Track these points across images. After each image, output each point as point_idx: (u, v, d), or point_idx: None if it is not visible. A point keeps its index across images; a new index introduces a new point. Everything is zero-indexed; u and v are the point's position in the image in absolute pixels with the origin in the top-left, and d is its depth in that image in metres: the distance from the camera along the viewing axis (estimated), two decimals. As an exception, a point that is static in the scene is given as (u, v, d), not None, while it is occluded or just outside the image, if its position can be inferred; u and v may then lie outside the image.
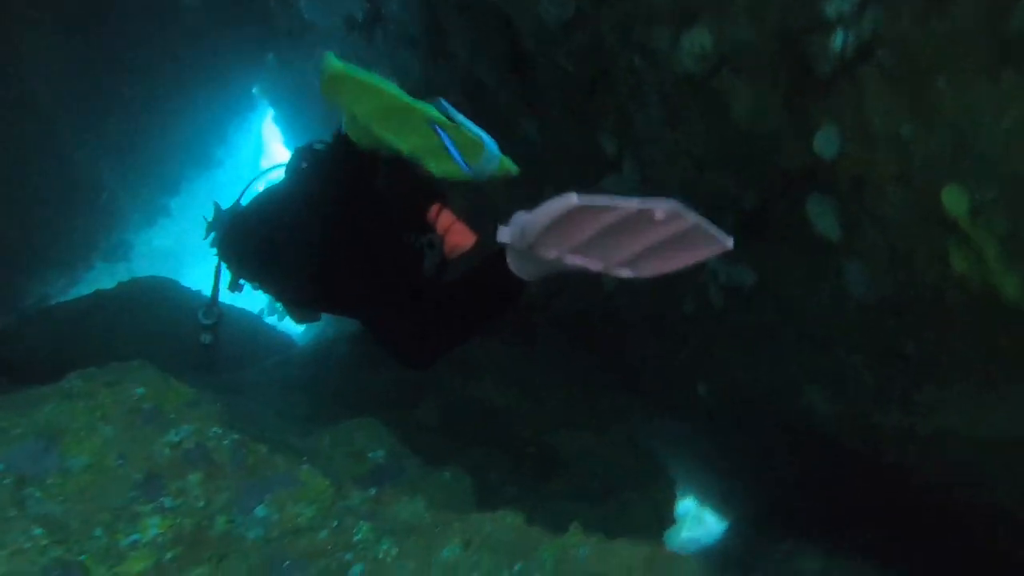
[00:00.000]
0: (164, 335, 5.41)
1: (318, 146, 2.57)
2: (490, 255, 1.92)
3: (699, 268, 3.98)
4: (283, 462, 2.20)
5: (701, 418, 4.74)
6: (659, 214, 1.42)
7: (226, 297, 3.12)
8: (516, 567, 1.59)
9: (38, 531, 1.89)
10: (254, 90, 12.46)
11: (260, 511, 2.05)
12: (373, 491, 2.05)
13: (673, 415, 4.94)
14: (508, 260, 1.83)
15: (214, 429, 2.28)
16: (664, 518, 3.95)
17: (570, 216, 1.46)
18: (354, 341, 5.45)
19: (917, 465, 3.31)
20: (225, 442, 2.23)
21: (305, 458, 2.22)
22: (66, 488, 2.12)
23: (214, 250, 2.90)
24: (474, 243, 2.28)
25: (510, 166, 2.27)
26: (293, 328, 7.82)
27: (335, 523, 1.94)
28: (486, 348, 5.19)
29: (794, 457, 4.20)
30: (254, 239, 2.62)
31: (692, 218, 1.46)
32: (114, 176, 6.70)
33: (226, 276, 2.93)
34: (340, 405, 4.05)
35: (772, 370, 3.87)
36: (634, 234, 1.51)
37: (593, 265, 1.59)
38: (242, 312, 6.69)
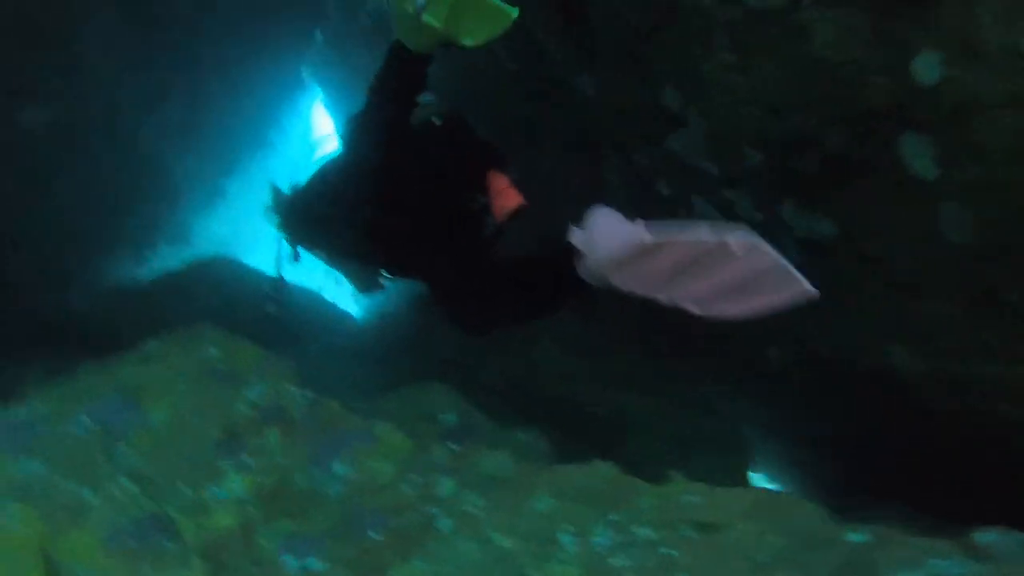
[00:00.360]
0: (232, 312, 5.50)
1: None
2: (561, 251, 1.86)
3: (774, 223, 3.80)
4: (358, 419, 2.16)
5: (773, 382, 4.56)
6: (735, 247, 1.44)
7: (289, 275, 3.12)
8: (612, 516, 1.50)
9: (127, 483, 1.89)
10: (303, 72, 12.52)
11: (338, 467, 2.01)
12: (455, 446, 1.98)
13: (745, 379, 4.77)
14: (576, 264, 1.80)
15: (289, 387, 2.25)
16: (739, 482, 3.82)
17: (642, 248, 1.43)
18: (413, 311, 5.43)
19: (1020, 422, 3.09)
20: (300, 399, 2.20)
21: (379, 420, 2.17)
22: (149, 443, 2.12)
23: (275, 227, 2.91)
24: (520, 206, 2.27)
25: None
26: (353, 307, 7.90)
27: (417, 478, 1.88)
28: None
29: (874, 421, 3.99)
30: (316, 209, 2.65)
31: (771, 254, 1.48)
32: (174, 158, 6.80)
33: (287, 250, 2.93)
34: (403, 373, 4.02)
35: (852, 328, 3.67)
36: (709, 267, 1.49)
37: (662, 298, 1.60)
38: (304, 290, 6.77)
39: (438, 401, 2.88)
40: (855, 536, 1.25)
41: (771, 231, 3.85)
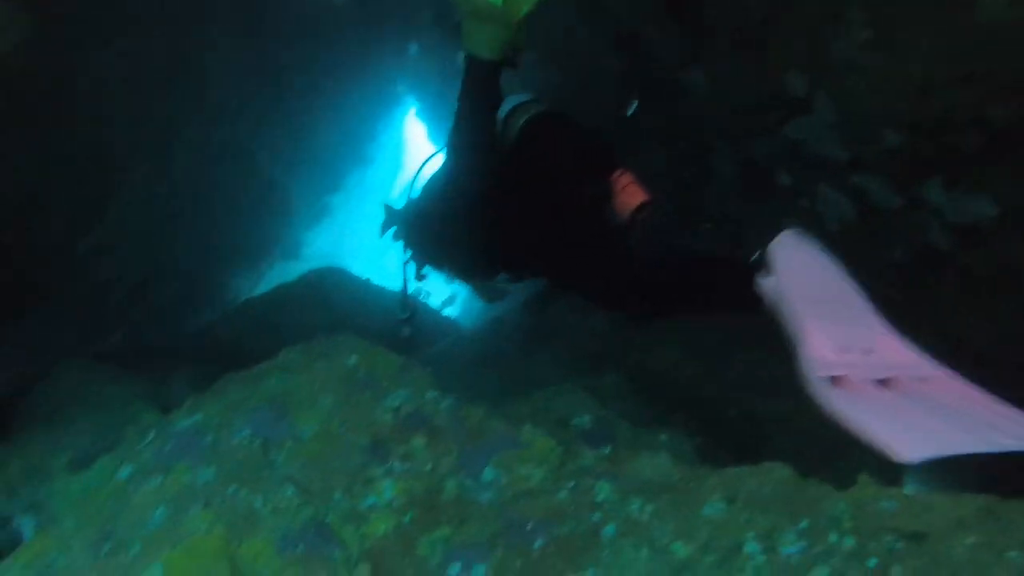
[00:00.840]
0: (344, 320, 5.69)
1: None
2: (747, 268, 1.85)
3: (915, 207, 3.53)
4: (502, 424, 2.13)
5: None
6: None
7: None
8: (802, 524, 1.39)
9: (290, 491, 1.94)
10: (399, 86, 12.87)
11: (488, 473, 1.99)
12: (607, 449, 1.92)
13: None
14: (761, 298, 1.78)
15: (430, 393, 2.25)
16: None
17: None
18: (525, 313, 5.41)
19: None
20: (442, 405, 2.20)
21: (526, 424, 2.13)
22: (302, 453, 2.17)
23: (388, 245, 3.03)
24: (644, 201, 2.25)
25: None
26: (464, 319, 8.00)
27: (571, 483, 1.83)
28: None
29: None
30: (433, 226, 2.68)
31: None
32: (286, 175, 7.11)
33: (410, 268, 2.96)
34: (522, 378, 3.99)
35: (1013, 326, 3.35)
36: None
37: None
38: (423, 304, 6.90)
39: (571, 404, 2.83)
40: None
41: (911, 219, 3.58)
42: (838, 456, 3.29)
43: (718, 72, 4.27)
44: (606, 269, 2.17)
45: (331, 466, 2.11)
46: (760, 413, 3.74)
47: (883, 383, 1.55)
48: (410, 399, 2.24)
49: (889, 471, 3.33)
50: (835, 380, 1.53)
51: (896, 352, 1.63)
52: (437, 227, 2.67)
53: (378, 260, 12.93)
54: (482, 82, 2.37)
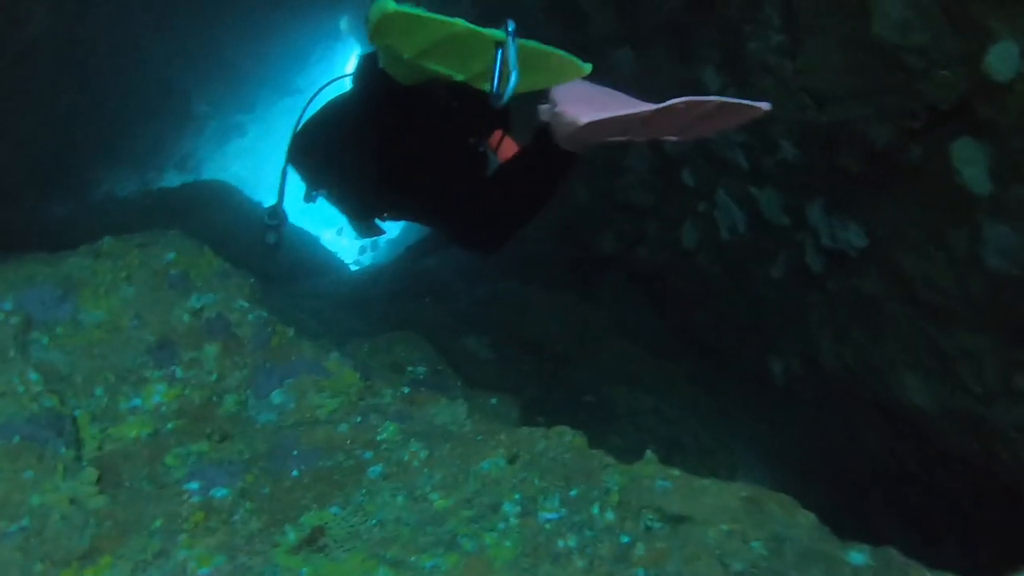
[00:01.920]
0: (224, 237, 5.31)
1: None
2: (537, 131, 2.04)
3: (798, 226, 3.53)
4: (310, 348, 1.93)
5: (773, 398, 4.31)
6: (680, 106, 1.59)
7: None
8: (572, 492, 1.26)
9: (35, 377, 1.67)
10: (342, 24, 12.27)
11: (276, 396, 1.79)
12: (406, 390, 1.75)
13: (743, 389, 4.52)
14: (554, 135, 1.93)
15: (240, 302, 2.02)
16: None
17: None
18: (406, 269, 5.20)
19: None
20: (250, 316, 1.98)
21: (335, 352, 1.93)
22: (75, 341, 1.90)
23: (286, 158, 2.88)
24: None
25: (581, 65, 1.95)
26: (349, 257, 7.70)
27: (358, 419, 1.65)
28: (546, 295, 4.87)
29: (876, 454, 3.74)
30: (324, 144, 2.65)
31: (713, 100, 1.62)
32: (191, 82, 6.57)
33: (298, 185, 2.88)
34: (387, 327, 3.80)
35: (866, 350, 3.41)
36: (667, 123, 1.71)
37: (637, 138, 1.85)
38: (304, 232, 6.56)
39: (411, 351, 2.65)
40: (856, 556, 1.00)
41: (793, 238, 3.60)
42: (673, 457, 3.27)
43: (644, 56, 4.17)
44: (466, 198, 2.29)
45: (104, 360, 1.86)
46: (619, 403, 3.69)
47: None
48: (217, 303, 2.00)
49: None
50: None
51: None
52: (322, 149, 2.63)
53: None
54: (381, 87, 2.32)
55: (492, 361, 3.50)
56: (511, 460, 1.40)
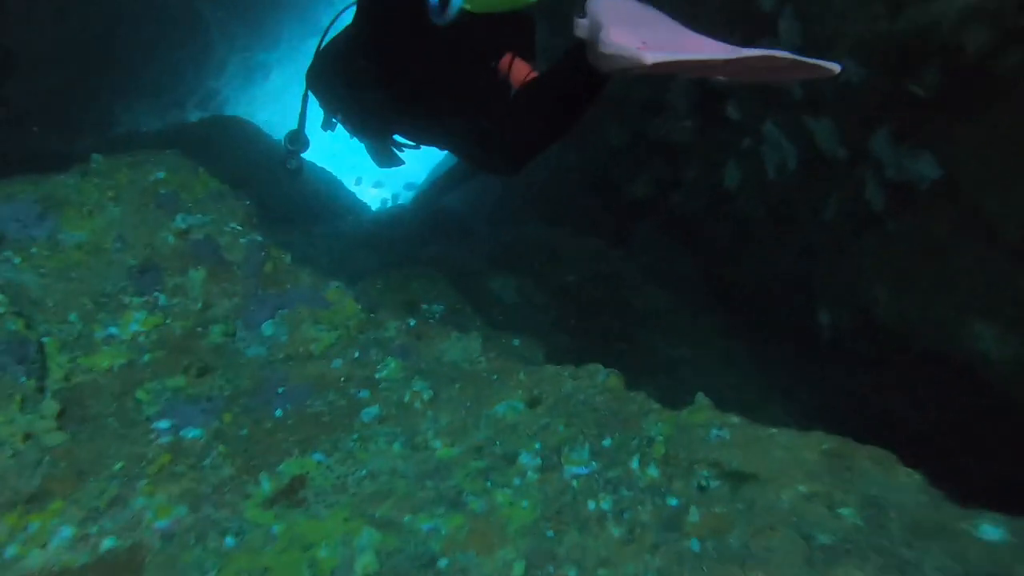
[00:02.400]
0: (244, 172, 5.12)
1: None
2: (569, 48, 1.93)
3: (857, 160, 3.19)
4: (308, 276, 1.71)
5: (818, 352, 4.02)
6: (755, 57, 1.48)
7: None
8: (605, 442, 1.03)
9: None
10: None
11: (267, 327, 1.57)
12: (412, 322, 1.52)
13: (785, 343, 4.23)
14: (587, 54, 1.80)
15: (232, 225, 1.80)
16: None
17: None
18: (429, 210, 4.97)
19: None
20: (242, 240, 1.75)
21: (334, 282, 1.71)
22: (51, 262, 1.70)
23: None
24: (529, 76, 2.25)
25: None
26: (372, 200, 7.47)
27: (356, 354, 1.43)
28: (576, 240, 4.60)
29: (943, 414, 3.44)
30: (342, 68, 2.61)
31: (789, 56, 1.49)
32: (212, 16, 6.29)
33: (317, 112, 2.83)
34: (410, 263, 3.58)
35: (930, 298, 3.09)
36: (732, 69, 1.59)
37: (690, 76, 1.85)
38: (326, 173, 6.34)
39: (428, 288, 2.43)
40: (989, 530, 0.75)
41: (851, 174, 3.25)
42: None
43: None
44: (486, 116, 2.18)
45: (80, 284, 1.66)
46: (654, 351, 3.45)
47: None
48: (206, 225, 1.78)
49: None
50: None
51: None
52: (340, 77, 2.60)
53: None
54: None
55: (518, 305, 3.26)
56: (532, 403, 1.17)
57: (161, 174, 2.03)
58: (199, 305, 1.62)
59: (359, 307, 1.61)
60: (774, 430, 0.96)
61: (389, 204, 9.84)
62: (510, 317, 3.10)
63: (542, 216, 6.00)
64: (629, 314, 3.80)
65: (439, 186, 4.70)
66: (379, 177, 11.08)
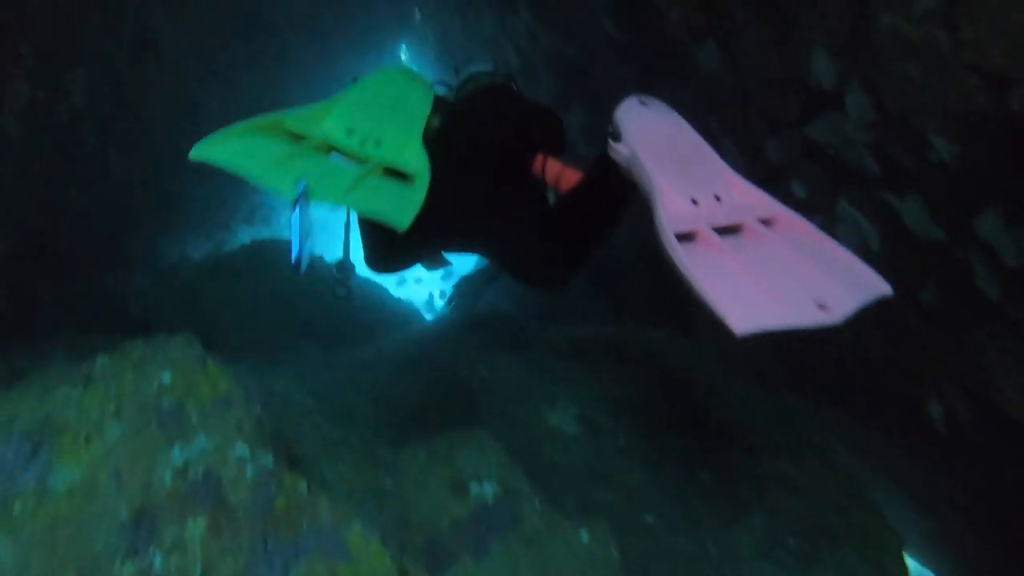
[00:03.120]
0: (284, 297, 5.02)
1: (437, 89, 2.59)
2: (597, 159, 1.99)
3: (960, 241, 2.78)
4: (328, 510, 1.42)
5: (933, 443, 3.51)
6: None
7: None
8: None
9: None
10: (402, 55, 12.09)
11: (280, 593, 1.28)
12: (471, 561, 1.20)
13: (888, 436, 3.73)
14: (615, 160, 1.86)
15: (238, 449, 1.54)
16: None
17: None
18: (476, 319, 4.71)
19: None
20: (249, 472, 1.49)
21: (357, 521, 1.41)
22: (36, 520, 1.48)
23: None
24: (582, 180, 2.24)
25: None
26: (421, 301, 7.30)
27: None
28: (639, 335, 4.25)
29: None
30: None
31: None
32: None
33: (353, 231, 2.80)
34: (458, 392, 3.30)
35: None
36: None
37: None
38: (371, 283, 6.23)
39: (477, 460, 2.12)
40: None
41: (952, 255, 2.83)
42: (824, 546, 2.56)
43: (734, 49, 3.51)
44: (528, 230, 2.21)
45: (68, 546, 1.42)
46: (742, 474, 3.03)
47: (733, 230, 1.63)
48: (208, 454, 1.53)
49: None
50: (688, 236, 1.59)
51: (743, 194, 1.71)
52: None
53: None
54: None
55: (581, 438, 2.91)
56: None
57: (167, 377, 1.82)
58: (198, 569, 1.34)
59: (387, 557, 1.31)
60: None
61: (434, 300, 9.72)
62: (574, 459, 2.75)
63: (595, 304, 5.68)
64: (708, 425, 3.40)
65: (481, 278, 4.49)
66: (419, 273, 11.06)
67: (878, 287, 1.49)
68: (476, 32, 7.19)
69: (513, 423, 2.80)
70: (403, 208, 1.57)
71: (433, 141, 2.11)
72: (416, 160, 1.73)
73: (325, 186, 1.58)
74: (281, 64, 6.78)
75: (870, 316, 3.50)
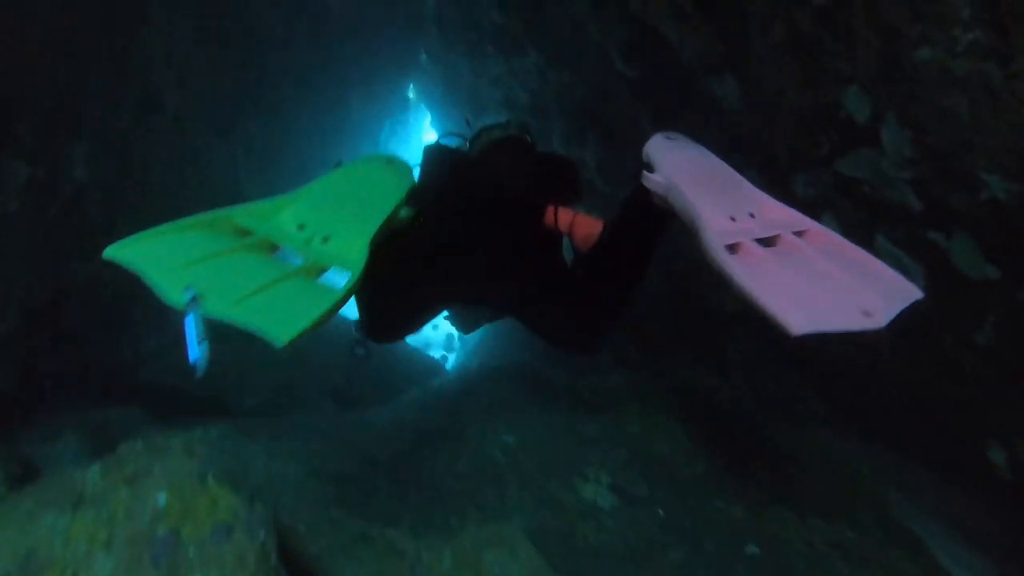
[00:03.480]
0: (300, 353, 4.89)
1: (445, 142, 2.61)
2: (627, 198, 2.01)
3: (1016, 280, 2.57)
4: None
5: (999, 490, 3.25)
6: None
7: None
8: None
9: None
10: (410, 94, 12.12)
11: None
12: None
13: (949, 484, 3.47)
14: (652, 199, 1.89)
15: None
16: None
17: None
18: (505, 370, 4.53)
19: None
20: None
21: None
22: None
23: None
24: (603, 229, 2.20)
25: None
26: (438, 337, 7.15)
27: None
28: (668, 386, 4.05)
29: None
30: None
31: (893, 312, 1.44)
32: (253, 184, 6.29)
33: None
34: (484, 465, 3.11)
35: None
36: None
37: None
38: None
39: (506, 564, 1.92)
40: None
41: (1009, 295, 2.62)
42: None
43: (755, 82, 3.34)
44: (554, 291, 2.16)
45: None
46: (791, 548, 2.79)
47: (770, 242, 1.68)
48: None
49: None
50: (732, 248, 1.62)
51: (775, 210, 1.80)
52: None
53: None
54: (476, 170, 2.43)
55: (616, 512, 2.70)
56: None
57: (162, 498, 1.66)
58: None
59: None
60: None
61: (453, 340, 9.55)
62: (609, 539, 2.54)
63: (618, 343, 5.47)
64: (752, 482, 3.17)
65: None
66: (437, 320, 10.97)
67: (912, 293, 1.53)
68: (483, 71, 7.11)
69: (543, 501, 2.60)
70: (294, 319, 1.40)
71: (400, 233, 2.05)
72: (355, 259, 1.61)
73: (219, 294, 1.45)
74: (291, 116, 6.73)
75: (923, 355, 3.28)
